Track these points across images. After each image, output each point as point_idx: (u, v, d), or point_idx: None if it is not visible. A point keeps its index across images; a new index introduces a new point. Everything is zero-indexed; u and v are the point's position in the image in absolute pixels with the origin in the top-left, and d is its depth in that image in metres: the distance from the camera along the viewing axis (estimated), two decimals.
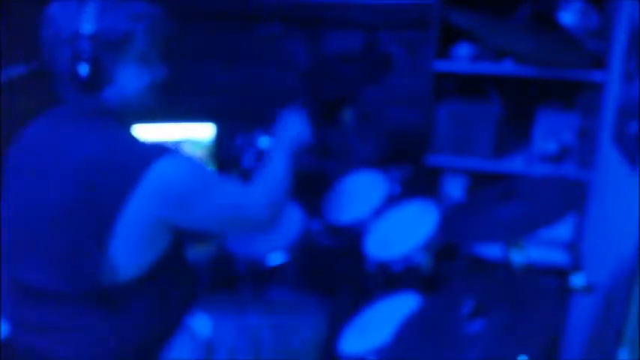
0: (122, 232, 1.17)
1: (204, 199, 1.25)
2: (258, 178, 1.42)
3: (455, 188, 2.38)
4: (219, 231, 1.38)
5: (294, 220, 1.89)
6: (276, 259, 1.78)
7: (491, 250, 2.07)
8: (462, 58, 2.20)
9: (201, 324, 1.44)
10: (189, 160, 1.26)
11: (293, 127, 1.58)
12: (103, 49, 1.19)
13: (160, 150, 1.22)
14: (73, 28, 1.18)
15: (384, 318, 1.59)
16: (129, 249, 1.19)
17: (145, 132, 2.03)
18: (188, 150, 2.12)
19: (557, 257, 2.11)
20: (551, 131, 2.20)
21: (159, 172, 1.18)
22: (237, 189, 1.35)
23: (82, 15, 1.18)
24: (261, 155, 1.82)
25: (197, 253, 1.80)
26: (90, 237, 1.17)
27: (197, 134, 2.15)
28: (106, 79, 1.21)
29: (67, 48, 1.18)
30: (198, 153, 2.13)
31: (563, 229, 2.18)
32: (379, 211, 1.87)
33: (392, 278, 1.73)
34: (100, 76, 1.20)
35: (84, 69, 1.18)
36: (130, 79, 1.25)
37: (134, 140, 1.26)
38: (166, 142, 2.07)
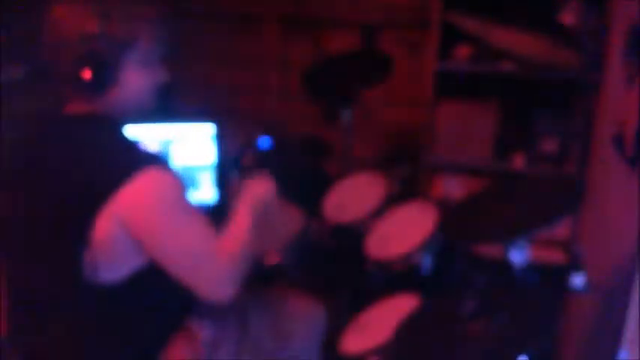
0: (100, 235, 1.16)
1: (163, 228, 1.20)
2: (226, 248, 1.29)
3: (455, 188, 2.38)
4: (168, 272, 1.22)
5: (293, 220, 1.89)
6: (276, 259, 1.78)
7: (491, 250, 2.06)
8: (462, 59, 2.21)
9: (200, 325, 1.44)
10: (172, 184, 1.22)
11: (257, 193, 1.44)
12: (107, 52, 1.19)
13: (148, 161, 1.20)
14: (78, 31, 1.18)
15: (384, 318, 1.59)
16: (108, 253, 1.18)
17: (145, 132, 2.03)
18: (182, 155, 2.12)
19: (556, 257, 2.11)
20: (551, 131, 2.21)
21: (138, 183, 1.16)
22: (205, 244, 1.26)
23: (87, 17, 1.18)
24: (261, 155, 1.82)
25: None
26: (73, 239, 1.17)
27: (197, 134, 2.15)
28: (109, 81, 1.21)
29: (72, 50, 1.18)
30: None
31: (562, 229, 2.18)
32: (379, 211, 1.87)
33: (392, 278, 1.73)
34: (104, 78, 1.20)
35: (88, 71, 1.18)
36: (133, 81, 1.25)
37: (125, 147, 1.25)
38: (162, 149, 2.07)
